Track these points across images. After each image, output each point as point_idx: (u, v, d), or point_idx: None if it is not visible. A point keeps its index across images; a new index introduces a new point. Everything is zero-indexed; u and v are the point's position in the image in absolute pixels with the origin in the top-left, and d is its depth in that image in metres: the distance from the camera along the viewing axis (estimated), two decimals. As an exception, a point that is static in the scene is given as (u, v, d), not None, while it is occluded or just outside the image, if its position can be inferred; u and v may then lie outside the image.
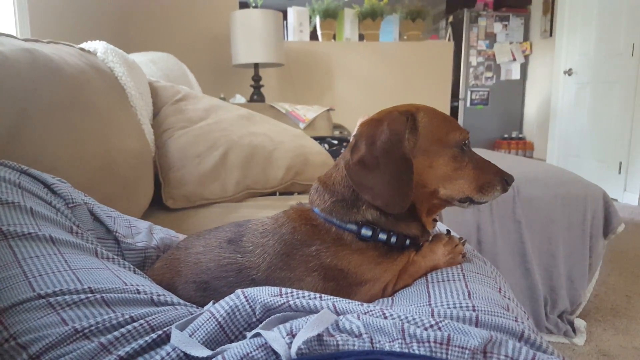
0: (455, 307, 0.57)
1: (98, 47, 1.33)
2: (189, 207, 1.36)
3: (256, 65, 2.98)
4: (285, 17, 3.28)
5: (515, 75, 5.39)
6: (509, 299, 0.65)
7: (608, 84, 4.02)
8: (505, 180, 0.68)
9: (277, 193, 1.51)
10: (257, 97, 3.05)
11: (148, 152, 1.34)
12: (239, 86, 3.29)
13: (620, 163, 3.83)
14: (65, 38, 1.28)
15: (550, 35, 4.86)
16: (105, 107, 1.14)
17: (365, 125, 0.68)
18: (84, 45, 1.30)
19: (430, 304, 0.59)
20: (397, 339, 0.45)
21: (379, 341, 0.45)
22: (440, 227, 0.88)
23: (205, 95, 1.67)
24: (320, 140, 2.00)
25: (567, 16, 4.56)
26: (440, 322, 0.48)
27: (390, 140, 0.64)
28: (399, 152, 0.64)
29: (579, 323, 1.69)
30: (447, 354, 0.43)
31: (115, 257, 0.66)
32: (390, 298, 0.66)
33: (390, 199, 0.63)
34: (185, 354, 0.46)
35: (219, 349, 0.45)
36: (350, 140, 0.71)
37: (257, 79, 3.03)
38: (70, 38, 1.35)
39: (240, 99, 2.99)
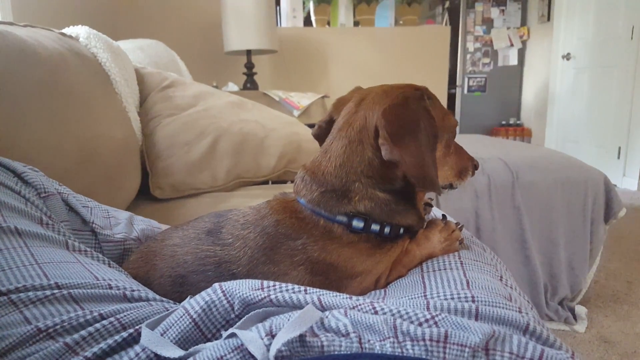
0: (452, 298, 0.53)
1: (80, 31, 1.27)
2: (177, 197, 1.31)
3: (249, 52, 2.92)
4: (277, 3, 3.21)
5: (513, 61, 5.32)
6: (511, 287, 0.61)
7: (607, 68, 3.97)
8: (474, 165, 0.71)
9: (270, 182, 1.47)
10: (250, 84, 2.99)
11: (134, 140, 1.29)
12: (231, 74, 3.23)
13: (619, 148, 3.79)
14: (51, 25, 1.22)
15: (548, 19, 4.79)
16: (87, 93, 1.08)
17: (391, 113, 0.58)
18: (65, 30, 1.25)
19: (425, 295, 0.54)
20: (389, 338, 0.40)
21: (369, 340, 0.40)
22: (436, 212, 0.84)
23: (194, 82, 1.62)
24: (315, 127, 1.95)
25: (565, 0, 4.49)
26: (437, 316, 0.44)
27: (428, 119, 0.60)
28: (435, 128, 0.60)
29: (580, 310, 1.66)
30: (444, 352, 0.39)
31: (89, 249, 0.61)
32: (382, 290, 0.62)
33: (436, 180, 0.58)
34: (155, 354, 0.42)
35: (191, 350, 0.40)
36: (341, 126, 0.65)
37: (249, 66, 2.96)
38: (55, 24, 1.29)
39: (233, 87, 2.93)
